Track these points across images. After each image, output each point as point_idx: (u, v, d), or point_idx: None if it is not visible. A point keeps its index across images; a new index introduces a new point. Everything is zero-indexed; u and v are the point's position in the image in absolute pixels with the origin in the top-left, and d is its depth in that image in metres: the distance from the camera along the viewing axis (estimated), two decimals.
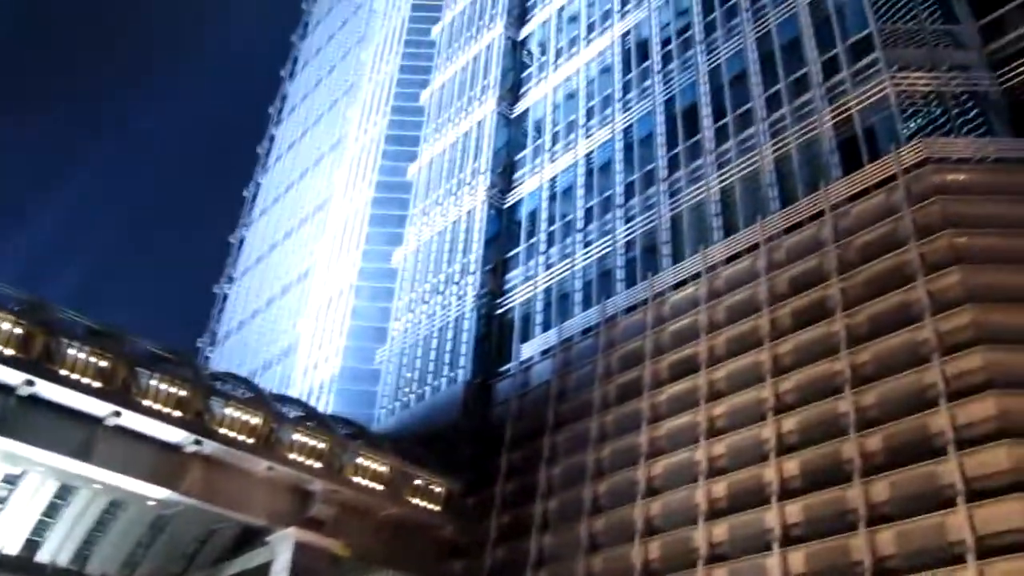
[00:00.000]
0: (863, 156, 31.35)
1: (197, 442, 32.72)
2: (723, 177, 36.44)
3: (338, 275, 66.69)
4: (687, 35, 42.48)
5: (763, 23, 38.30)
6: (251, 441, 33.81)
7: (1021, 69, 30.29)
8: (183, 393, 32.84)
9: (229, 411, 33.83)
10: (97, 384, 31.02)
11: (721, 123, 38.00)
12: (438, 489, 38.21)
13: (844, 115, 32.65)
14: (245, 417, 34.04)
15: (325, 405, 57.03)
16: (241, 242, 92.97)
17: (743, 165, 35.82)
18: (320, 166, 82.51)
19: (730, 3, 40.78)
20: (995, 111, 30.40)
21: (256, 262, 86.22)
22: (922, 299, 26.51)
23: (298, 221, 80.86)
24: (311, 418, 38.28)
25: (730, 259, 34.12)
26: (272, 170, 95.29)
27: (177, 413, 32.39)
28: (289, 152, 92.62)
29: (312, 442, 35.31)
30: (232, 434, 33.47)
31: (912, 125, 30.66)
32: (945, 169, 28.80)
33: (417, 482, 37.69)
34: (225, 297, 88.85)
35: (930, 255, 27.20)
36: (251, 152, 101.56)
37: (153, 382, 32.39)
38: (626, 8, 47.88)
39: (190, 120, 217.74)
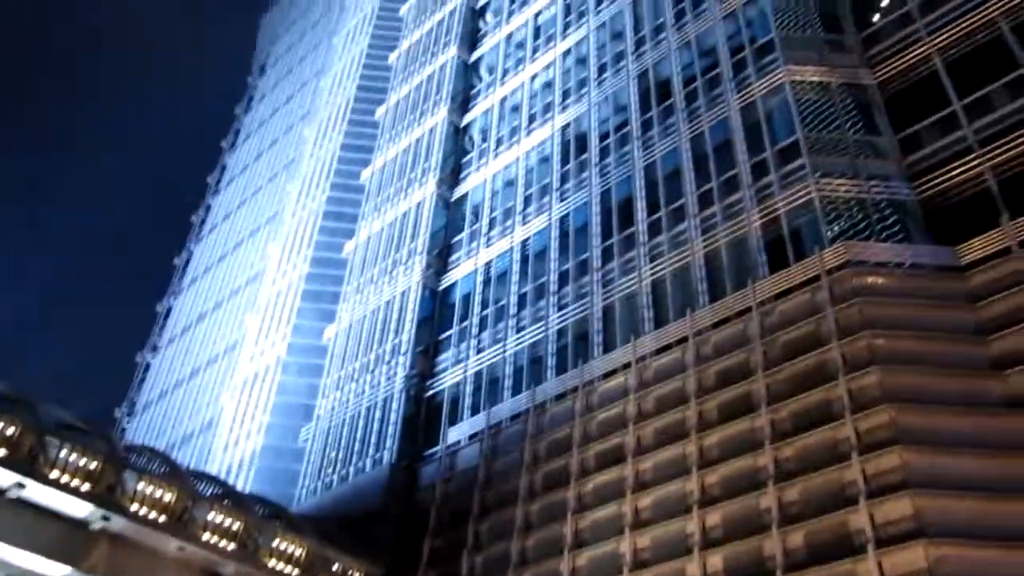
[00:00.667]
0: (789, 256, 32.43)
1: (105, 518, 31.19)
2: (654, 270, 37.23)
3: (266, 350, 65.56)
4: (625, 131, 43.87)
5: (697, 124, 39.82)
6: (163, 519, 32.43)
7: (936, 181, 31.93)
8: (94, 465, 31.49)
9: (142, 486, 32.49)
10: (1, 453, 29.60)
11: (654, 217, 39.01)
12: (357, 575, 37.04)
13: (771, 216, 33.85)
14: (159, 493, 32.69)
15: (245, 482, 55.35)
16: (168, 311, 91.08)
17: (674, 259, 36.68)
18: (255, 238, 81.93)
19: (667, 103, 42.39)
20: (912, 219, 31.88)
21: (182, 332, 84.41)
22: (842, 397, 27.13)
23: (229, 292, 79.73)
24: (228, 496, 36.93)
25: (660, 351, 34.58)
26: (206, 239, 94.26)
27: (86, 487, 30.95)
28: (224, 222, 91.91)
29: (227, 522, 34.02)
30: (144, 511, 32.04)
31: (835, 228, 31.88)
32: (864, 272, 29.91)
33: (335, 567, 36.48)
34: (147, 366, 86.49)
35: (850, 355, 27.97)
36: (185, 220, 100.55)
37: (63, 453, 30.95)
38: (567, 102, 49.37)
39: (124, 183, 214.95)
